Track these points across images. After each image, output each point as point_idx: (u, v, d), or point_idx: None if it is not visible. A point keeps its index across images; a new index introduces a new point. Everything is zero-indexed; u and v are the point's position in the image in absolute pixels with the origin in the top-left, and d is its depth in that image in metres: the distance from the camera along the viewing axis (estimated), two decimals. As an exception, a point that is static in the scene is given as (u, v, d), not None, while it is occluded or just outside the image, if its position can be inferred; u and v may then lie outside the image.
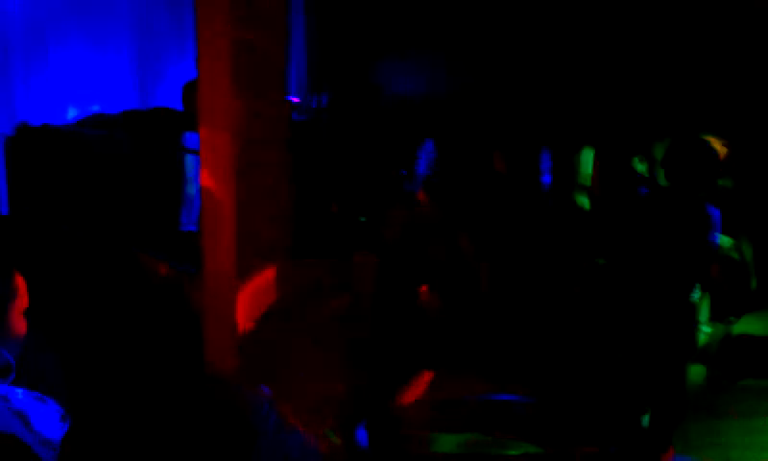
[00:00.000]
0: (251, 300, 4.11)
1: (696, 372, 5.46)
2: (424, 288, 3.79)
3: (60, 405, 2.27)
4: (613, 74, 7.87)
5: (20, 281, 2.32)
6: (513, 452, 4.56)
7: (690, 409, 4.64)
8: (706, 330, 5.62)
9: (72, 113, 6.26)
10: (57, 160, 4.85)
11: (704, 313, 5.51)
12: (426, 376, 4.47)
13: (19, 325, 2.30)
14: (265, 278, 4.17)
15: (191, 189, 5.24)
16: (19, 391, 2.20)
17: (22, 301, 2.30)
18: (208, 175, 4.16)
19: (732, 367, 5.61)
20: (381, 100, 8.28)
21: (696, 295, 4.44)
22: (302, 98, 7.98)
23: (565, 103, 7.66)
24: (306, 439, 3.04)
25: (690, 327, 4.24)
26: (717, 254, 4.14)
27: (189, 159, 5.25)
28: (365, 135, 6.62)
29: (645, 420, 4.49)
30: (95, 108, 6.44)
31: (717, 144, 4.91)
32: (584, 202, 6.36)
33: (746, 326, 6.04)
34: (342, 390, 3.37)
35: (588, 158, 6.50)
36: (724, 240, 5.29)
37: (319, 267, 3.96)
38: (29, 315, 2.32)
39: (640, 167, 6.05)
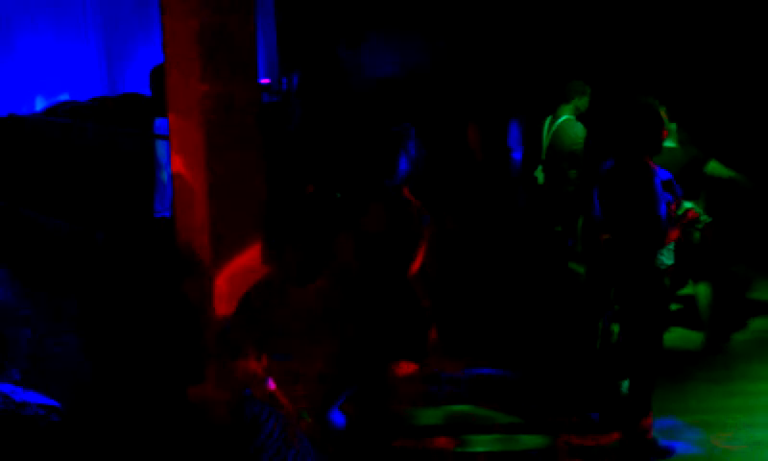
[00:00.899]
0: (227, 284, 4.10)
1: (695, 337, 5.51)
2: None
3: (72, 389, 2.27)
4: (582, 42, 7.87)
5: None
6: (498, 421, 4.61)
7: (669, 375, 4.70)
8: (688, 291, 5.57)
9: (40, 103, 6.19)
10: (25, 150, 4.80)
11: (683, 275, 5.46)
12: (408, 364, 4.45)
13: None
14: (241, 261, 4.15)
15: (163, 176, 5.20)
16: (18, 390, 2.21)
17: None
18: (179, 160, 4.12)
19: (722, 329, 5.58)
20: (352, 79, 8.23)
21: (666, 260, 4.46)
22: (273, 79, 7.92)
23: (539, 74, 7.66)
24: (308, 448, 3.06)
25: (658, 291, 4.25)
26: (669, 217, 4.09)
27: (160, 145, 5.19)
28: (337, 115, 6.59)
29: (625, 386, 4.53)
30: (63, 96, 6.37)
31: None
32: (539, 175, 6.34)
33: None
34: (322, 369, 3.37)
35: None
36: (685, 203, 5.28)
37: (297, 249, 3.94)
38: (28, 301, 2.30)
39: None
